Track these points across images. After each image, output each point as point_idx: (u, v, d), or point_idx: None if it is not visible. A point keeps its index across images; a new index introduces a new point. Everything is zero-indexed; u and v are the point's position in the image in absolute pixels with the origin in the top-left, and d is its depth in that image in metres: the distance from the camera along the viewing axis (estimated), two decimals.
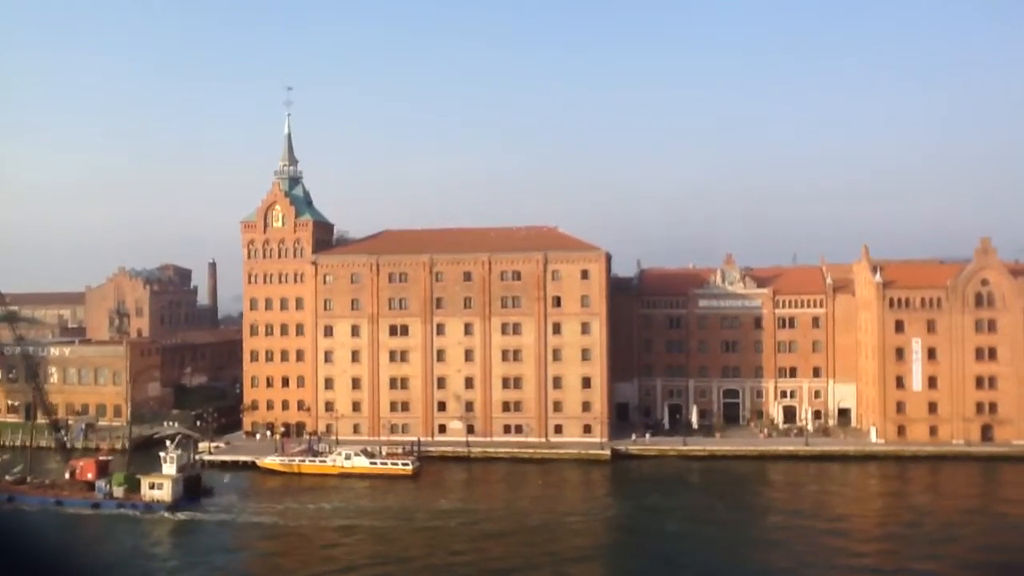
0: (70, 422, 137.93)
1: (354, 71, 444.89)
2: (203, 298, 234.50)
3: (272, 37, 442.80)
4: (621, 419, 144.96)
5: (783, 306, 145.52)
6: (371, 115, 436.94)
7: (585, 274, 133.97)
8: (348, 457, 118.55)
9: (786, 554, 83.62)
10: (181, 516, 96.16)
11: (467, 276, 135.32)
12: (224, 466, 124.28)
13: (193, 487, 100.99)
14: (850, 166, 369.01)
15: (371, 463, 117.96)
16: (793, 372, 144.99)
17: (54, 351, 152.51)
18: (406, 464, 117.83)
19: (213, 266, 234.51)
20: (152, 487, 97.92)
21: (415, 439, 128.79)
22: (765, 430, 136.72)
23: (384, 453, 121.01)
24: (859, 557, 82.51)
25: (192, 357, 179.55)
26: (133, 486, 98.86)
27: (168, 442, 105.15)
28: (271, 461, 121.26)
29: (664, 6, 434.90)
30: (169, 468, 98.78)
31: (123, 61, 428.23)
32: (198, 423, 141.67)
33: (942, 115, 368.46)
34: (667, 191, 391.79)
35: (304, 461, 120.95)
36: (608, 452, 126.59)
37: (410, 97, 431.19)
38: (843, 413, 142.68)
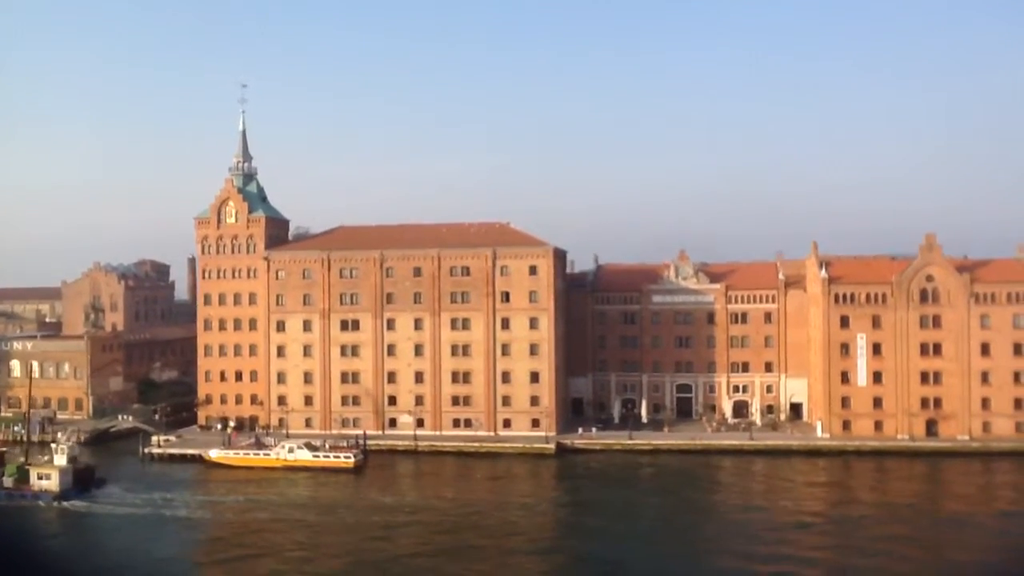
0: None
1: (349, 71, 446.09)
2: (182, 293, 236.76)
3: (257, 33, 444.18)
4: (576, 414, 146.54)
5: (736, 301, 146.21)
6: (348, 114, 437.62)
7: (533, 270, 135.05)
8: (291, 450, 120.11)
9: (694, 546, 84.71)
10: (67, 506, 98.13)
11: (417, 271, 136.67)
12: (172, 459, 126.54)
13: (85, 478, 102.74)
14: (845, 166, 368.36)
15: (314, 456, 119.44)
16: (745, 367, 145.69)
17: (17, 345, 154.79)
18: (348, 457, 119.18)
19: (192, 261, 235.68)
20: (40, 477, 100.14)
21: (360, 432, 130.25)
22: (714, 423, 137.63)
23: (327, 446, 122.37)
24: (762, 549, 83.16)
25: (162, 352, 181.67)
26: (24, 477, 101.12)
27: (60, 434, 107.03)
28: (217, 454, 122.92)
29: (647, 9, 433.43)
30: (60, 459, 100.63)
31: (101, 57, 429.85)
32: (156, 417, 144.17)
33: (940, 116, 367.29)
34: (659, 191, 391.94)
35: (249, 454, 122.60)
36: (553, 446, 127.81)
37: (393, 97, 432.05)
38: (795, 408, 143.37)
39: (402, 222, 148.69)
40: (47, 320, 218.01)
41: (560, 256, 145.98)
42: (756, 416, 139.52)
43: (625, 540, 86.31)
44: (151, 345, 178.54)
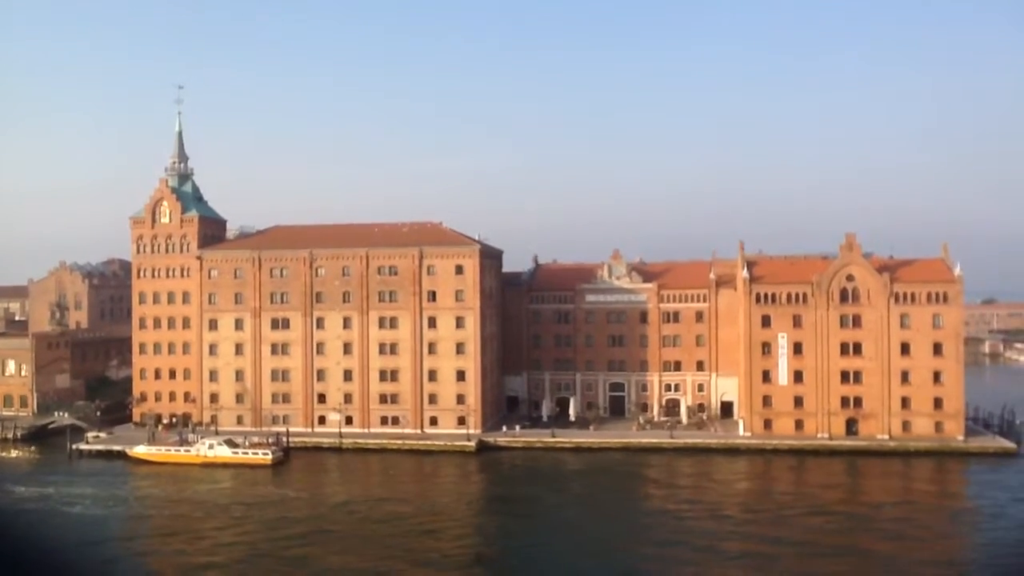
0: None
1: (346, 73, 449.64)
2: None
3: (251, 37, 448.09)
4: (512, 412, 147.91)
5: (668, 300, 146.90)
6: (323, 116, 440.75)
7: (459, 269, 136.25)
8: (211, 447, 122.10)
9: (573, 543, 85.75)
10: None
11: (345, 271, 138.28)
12: (100, 455, 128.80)
13: None
14: (846, 164, 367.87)
15: (232, 453, 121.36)
16: (678, 366, 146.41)
17: None
18: (266, 454, 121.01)
19: None
20: None
21: (283, 429, 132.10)
22: (639, 421, 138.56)
23: (247, 443, 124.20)
24: (650, 546, 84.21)
25: (119, 350, 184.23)
26: None
27: None
28: (140, 451, 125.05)
29: (640, 9, 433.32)
30: None
31: (76, 55, 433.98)
32: (98, 414, 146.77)
33: (930, 118, 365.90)
34: (654, 190, 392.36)
35: (171, 451, 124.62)
36: (474, 444, 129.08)
37: (380, 97, 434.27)
38: (726, 407, 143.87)
39: (348, 222, 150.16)
40: (16, 318, 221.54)
41: (494, 256, 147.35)
42: (683, 414, 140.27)
43: (513, 535, 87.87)
44: (107, 343, 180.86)
